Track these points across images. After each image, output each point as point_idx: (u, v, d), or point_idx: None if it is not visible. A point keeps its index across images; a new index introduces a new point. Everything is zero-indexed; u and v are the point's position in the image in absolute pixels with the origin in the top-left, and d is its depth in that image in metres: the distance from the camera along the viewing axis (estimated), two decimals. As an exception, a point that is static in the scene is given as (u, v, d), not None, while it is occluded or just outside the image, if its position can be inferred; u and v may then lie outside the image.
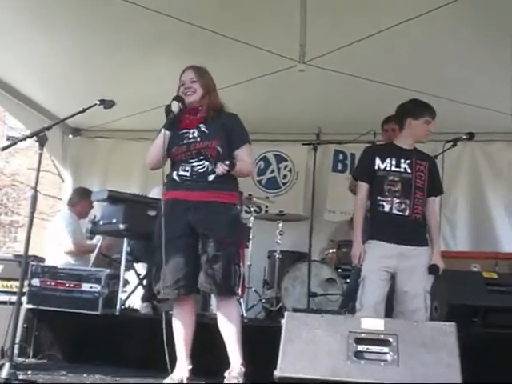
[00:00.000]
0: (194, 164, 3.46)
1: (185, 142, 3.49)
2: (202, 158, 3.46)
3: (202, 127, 3.52)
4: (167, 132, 3.47)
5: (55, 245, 5.62)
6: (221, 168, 3.37)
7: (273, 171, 7.26)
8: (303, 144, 5.90)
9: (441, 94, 5.33)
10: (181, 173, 3.47)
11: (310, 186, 5.58)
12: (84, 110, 3.45)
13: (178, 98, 3.51)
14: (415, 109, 3.90)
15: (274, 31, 4.91)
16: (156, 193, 5.43)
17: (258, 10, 4.72)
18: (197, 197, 3.40)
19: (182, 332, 3.48)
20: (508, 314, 4.35)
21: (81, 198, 5.77)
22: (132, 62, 5.61)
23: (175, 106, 3.48)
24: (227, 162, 3.37)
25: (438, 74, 5.34)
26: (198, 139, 3.50)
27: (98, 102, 3.46)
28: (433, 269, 3.80)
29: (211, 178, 3.44)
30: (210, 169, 3.44)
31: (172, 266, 3.36)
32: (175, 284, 3.37)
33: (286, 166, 7.26)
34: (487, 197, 6.76)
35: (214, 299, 4.17)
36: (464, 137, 4.63)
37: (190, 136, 3.50)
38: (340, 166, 7.13)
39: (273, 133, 7.04)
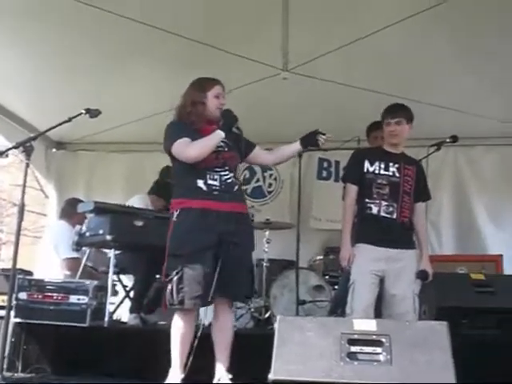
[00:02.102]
0: (222, 173, 3.49)
1: (213, 149, 3.49)
2: (226, 167, 3.51)
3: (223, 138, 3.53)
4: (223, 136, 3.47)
5: (54, 256, 5.49)
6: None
7: (258, 180, 7.26)
8: (288, 152, 5.89)
9: (423, 99, 5.40)
10: (209, 182, 3.45)
11: (296, 194, 5.59)
12: (70, 120, 3.45)
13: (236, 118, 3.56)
14: (382, 114, 3.97)
15: (256, 39, 4.93)
16: (136, 201, 5.42)
17: (240, 18, 4.73)
18: (228, 208, 3.41)
19: (185, 341, 3.41)
20: (496, 314, 4.39)
21: (75, 209, 5.63)
22: (113, 74, 5.60)
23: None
24: None
25: (421, 79, 5.40)
26: (226, 149, 3.53)
27: (83, 111, 3.46)
28: (422, 274, 3.82)
29: (235, 188, 3.52)
30: (234, 180, 3.52)
31: (201, 277, 3.32)
32: (205, 294, 3.33)
33: (271, 175, 7.27)
34: (471, 200, 6.84)
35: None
36: (448, 140, 4.65)
37: (219, 143, 3.50)
38: (325, 174, 7.16)
39: (257, 142, 7.03)
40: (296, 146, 3.71)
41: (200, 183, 3.45)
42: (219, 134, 3.46)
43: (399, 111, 3.91)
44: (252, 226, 3.65)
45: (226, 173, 3.50)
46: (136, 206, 5.19)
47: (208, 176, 3.46)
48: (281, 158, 3.90)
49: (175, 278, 3.34)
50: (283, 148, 3.81)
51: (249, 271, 3.56)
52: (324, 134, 3.61)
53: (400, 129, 3.87)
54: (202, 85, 3.61)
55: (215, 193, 3.44)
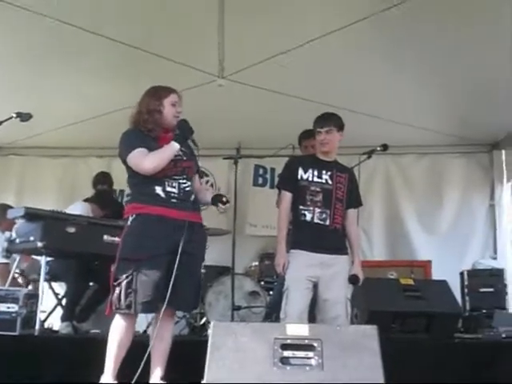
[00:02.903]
0: (181, 181, 3.46)
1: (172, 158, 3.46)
2: (185, 176, 3.48)
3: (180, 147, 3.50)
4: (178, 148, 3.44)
5: None
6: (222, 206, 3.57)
7: (195, 186, 7.25)
8: (224, 158, 5.91)
9: (355, 108, 5.53)
10: (168, 189, 3.42)
11: (232, 201, 5.61)
12: (0, 123, 3.36)
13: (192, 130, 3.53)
14: (313, 123, 4.05)
15: (192, 46, 4.93)
16: (77, 208, 5.33)
17: (177, 24, 4.72)
18: (186, 216, 3.37)
19: (122, 346, 3.36)
20: (425, 318, 4.53)
21: (5, 215, 5.50)
22: (45, 78, 5.48)
23: None
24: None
25: (354, 89, 5.51)
26: (184, 157, 3.51)
27: (14, 115, 3.38)
28: (353, 279, 3.91)
29: (193, 197, 3.49)
30: (191, 188, 3.50)
31: (154, 283, 3.28)
32: (155, 301, 3.30)
33: (207, 182, 7.25)
34: (401, 207, 7.07)
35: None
36: (378, 148, 4.76)
37: (176, 153, 3.45)
38: (260, 181, 7.26)
39: (193, 148, 7.04)
40: (208, 199, 3.67)
41: (158, 190, 3.42)
42: (174, 146, 3.43)
43: (329, 120, 3.98)
44: (205, 237, 3.65)
45: (185, 181, 3.48)
46: (77, 212, 5.10)
47: (167, 183, 3.43)
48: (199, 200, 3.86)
49: (124, 282, 3.29)
50: (202, 194, 3.70)
51: (197, 282, 3.55)
52: (226, 203, 3.61)
53: (330, 137, 3.95)
54: (158, 93, 3.58)
55: (173, 200, 3.42)
